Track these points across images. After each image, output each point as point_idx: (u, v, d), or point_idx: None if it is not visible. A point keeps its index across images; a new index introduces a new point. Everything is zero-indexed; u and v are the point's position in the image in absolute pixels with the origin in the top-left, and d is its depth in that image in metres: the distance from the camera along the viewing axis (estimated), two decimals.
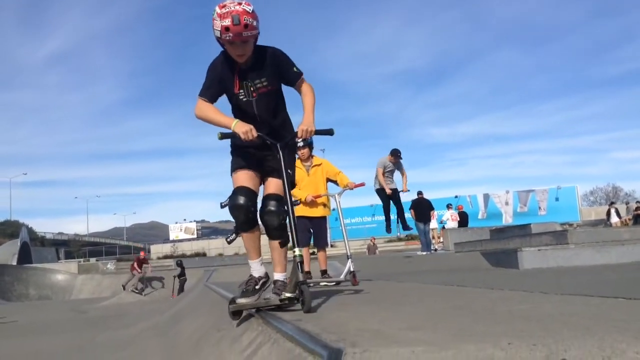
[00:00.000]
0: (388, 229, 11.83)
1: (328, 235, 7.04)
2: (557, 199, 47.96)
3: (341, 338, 2.01)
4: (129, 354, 5.90)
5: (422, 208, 15.99)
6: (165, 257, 50.73)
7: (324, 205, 6.82)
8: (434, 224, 19.01)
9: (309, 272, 6.46)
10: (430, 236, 17.38)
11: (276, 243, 3.62)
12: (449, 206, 22.13)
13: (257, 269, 3.64)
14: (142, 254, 24.00)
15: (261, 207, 3.56)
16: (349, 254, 6.00)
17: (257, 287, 3.55)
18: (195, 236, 75.21)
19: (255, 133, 3.35)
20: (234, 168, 3.65)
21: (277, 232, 3.56)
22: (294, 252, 3.30)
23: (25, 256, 37.88)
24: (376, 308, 3.42)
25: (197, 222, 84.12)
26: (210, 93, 3.51)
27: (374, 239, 33.48)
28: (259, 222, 3.62)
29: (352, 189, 6.55)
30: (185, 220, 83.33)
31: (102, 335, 8.73)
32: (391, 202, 11.69)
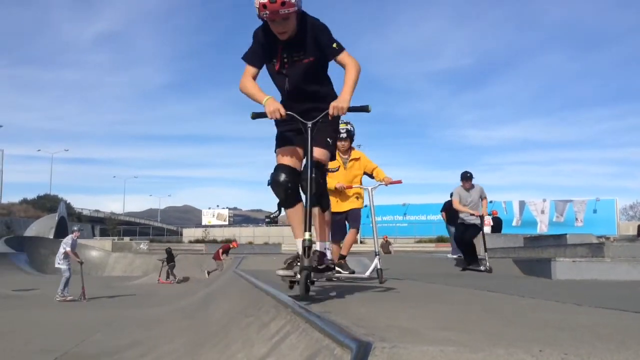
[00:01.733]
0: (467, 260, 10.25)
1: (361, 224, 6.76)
2: (594, 211, 46.95)
3: (370, 332, 2.02)
4: (156, 332, 6.01)
5: (454, 211, 15.83)
6: (197, 241, 51.41)
7: (357, 196, 6.63)
8: None
9: (340, 264, 6.23)
10: None
11: (316, 209, 3.60)
12: None
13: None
14: (234, 244, 24.01)
15: (301, 174, 3.54)
16: (377, 251, 5.97)
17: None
18: (227, 223, 76.07)
19: (283, 112, 3.36)
20: (277, 145, 3.70)
21: (315, 198, 3.49)
22: (304, 236, 3.27)
23: (62, 231, 38.77)
24: (404, 306, 3.42)
25: (229, 209, 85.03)
26: (254, 57, 3.56)
27: (387, 237, 33.35)
28: (302, 198, 3.60)
29: (387, 184, 6.36)
30: (218, 206, 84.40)
31: (130, 312, 8.91)
32: (467, 234, 10.16)
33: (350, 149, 6.64)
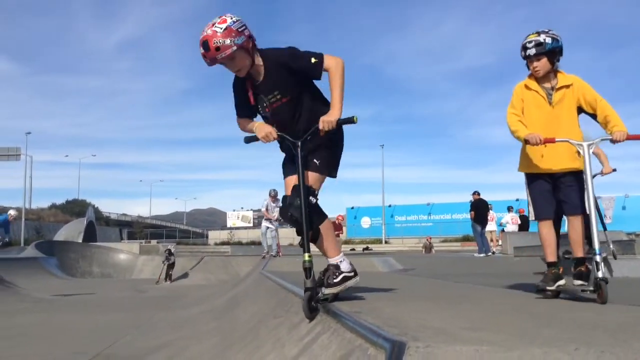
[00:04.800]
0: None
1: (587, 198, 3.82)
2: (624, 208, 46.11)
3: (402, 332, 2.02)
4: (186, 333, 6.07)
5: (482, 209, 15.73)
6: (223, 243, 51.78)
7: (577, 153, 3.86)
8: (492, 226, 18.63)
9: (554, 262, 4.13)
10: (489, 239, 17.04)
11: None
12: (509, 208, 21.61)
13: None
14: (339, 217, 23.72)
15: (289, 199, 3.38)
16: (600, 250, 3.52)
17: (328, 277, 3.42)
18: (251, 225, 76.36)
19: (275, 134, 3.31)
20: (283, 173, 3.62)
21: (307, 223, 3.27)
22: (304, 257, 3.17)
23: (90, 235, 39.34)
24: (434, 306, 3.41)
25: (253, 210, 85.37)
26: (239, 109, 3.52)
27: (430, 238, 33.12)
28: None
29: (617, 141, 3.77)
30: (242, 208, 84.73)
31: (160, 315, 9.01)
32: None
33: (555, 71, 4.04)
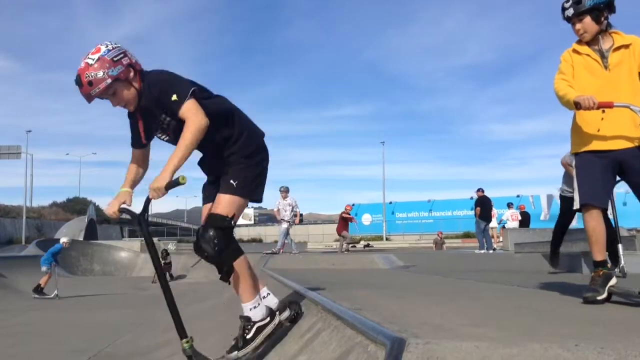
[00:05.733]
0: (554, 261, 7.59)
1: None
2: (624, 204, 46.01)
3: (403, 329, 2.03)
4: (188, 331, 6.08)
5: (487, 206, 15.71)
6: None
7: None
8: (493, 223, 18.63)
9: (603, 261, 3.31)
10: (490, 235, 17.05)
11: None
12: (509, 205, 21.60)
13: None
14: (347, 207, 22.91)
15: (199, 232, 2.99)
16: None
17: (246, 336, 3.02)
18: (252, 222, 76.46)
19: (116, 213, 2.94)
20: (202, 198, 3.27)
21: (215, 266, 2.94)
22: (182, 344, 2.89)
23: (91, 233, 39.38)
24: (435, 302, 3.41)
25: (254, 208, 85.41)
26: (132, 140, 3.12)
27: (441, 233, 32.87)
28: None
29: None
30: None
31: (161, 313, 9.02)
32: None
33: (606, 31, 3.43)
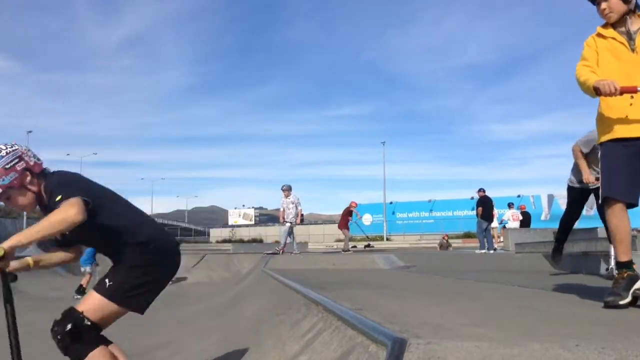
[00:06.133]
0: (555, 257, 7.34)
1: None
2: None
3: (404, 329, 2.03)
4: (188, 331, 6.08)
5: (489, 206, 15.71)
6: (224, 241, 51.81)
7: None
8: (494, 223, 18.62)
9: (628, 262, 3.04)
10: (491, 235, 17.03)
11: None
12: (510, 205, 21.59)
13: None
14: (353, 204, 22.54)
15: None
16: None
17: None
18: (253, 222, 76.47)
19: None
20: None
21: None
22: None
23: None
24: (436, 303, 3.41)
25: (255, 208, 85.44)
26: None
27: (447, 236, 32.71)
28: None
29: None
30: (244, 206, 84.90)
31: (162, 312, 9.02)
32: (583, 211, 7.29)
33: (634, 13, 3.18)
